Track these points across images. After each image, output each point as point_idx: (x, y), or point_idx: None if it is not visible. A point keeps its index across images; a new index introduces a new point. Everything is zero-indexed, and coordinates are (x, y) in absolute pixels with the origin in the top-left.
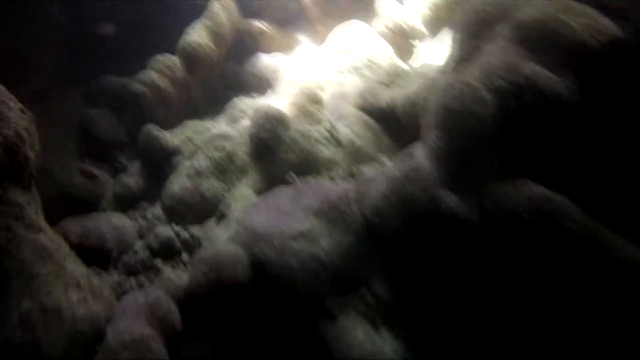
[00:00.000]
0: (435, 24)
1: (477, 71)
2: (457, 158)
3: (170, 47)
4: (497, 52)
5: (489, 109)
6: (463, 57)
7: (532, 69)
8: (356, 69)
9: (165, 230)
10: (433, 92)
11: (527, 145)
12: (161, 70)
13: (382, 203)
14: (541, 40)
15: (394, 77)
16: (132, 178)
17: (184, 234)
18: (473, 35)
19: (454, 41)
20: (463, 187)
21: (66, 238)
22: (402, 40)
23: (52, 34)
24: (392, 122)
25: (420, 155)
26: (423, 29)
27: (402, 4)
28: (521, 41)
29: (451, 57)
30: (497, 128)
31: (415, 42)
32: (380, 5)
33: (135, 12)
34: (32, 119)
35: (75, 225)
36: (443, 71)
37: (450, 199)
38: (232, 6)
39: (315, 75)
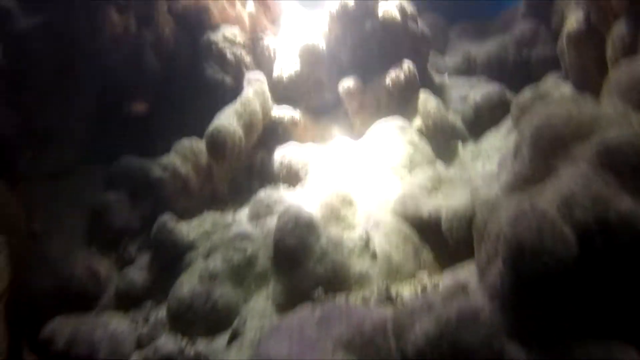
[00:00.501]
0: (476, 125)
1: (554, 198)
2: (528, 304)
3: (200, 129)
4: (579, 178)
5: (570, 249)
6: (533, 177)
7: (628, 204)
8: (394, 169)
9: (168, 343)
10: (495, 215)
11: (619, 298)
12: (185, 156)
13: (428, 346)
14: (637, 169)
15: (436, 182)
16: (139, 273)
17: (188, 351)
18: (545, 152)
19: (519, 155)
20: (535, 342)
21: (53, 342)
22: (443, 141)
23: (82, 109)
24: (435, 236)
25: (478, 293)
26: (465, 129)
27: (442, 98)
28: (609, 167)
29: (517, 174)
30: (580, 273)
31: (457, 143)
32: (420, 102)
33: (166, 91)
34: (4, 247)
35: (65, 327)
36: (507, 191)
37: (519, 357)
38: (266, 92)
39: (349, 173)
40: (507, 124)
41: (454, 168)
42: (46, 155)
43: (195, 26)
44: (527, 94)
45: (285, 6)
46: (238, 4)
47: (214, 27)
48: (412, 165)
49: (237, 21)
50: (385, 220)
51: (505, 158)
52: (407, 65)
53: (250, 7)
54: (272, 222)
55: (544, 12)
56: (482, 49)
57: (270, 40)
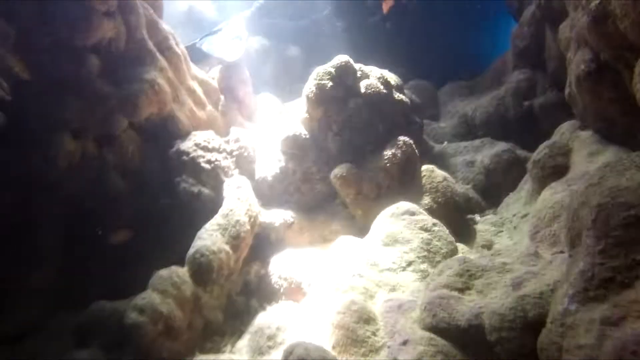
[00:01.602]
0: (491, 192)
1: None
2: None
3: (181, 252)
4: None
5: None
6: (613, 279)
7: None
8: (411, 264)
9: None
10: (574, 339)
11: None
12: (164, 290)
13: None
14: None
15: (467, 277)
16: None
17: None
18: (623, 243)
19: (581, 247)
20: None
21: None
22: (459, 216)
23: (42, 255)
24: (480, 349)
25: None
26: (479, 199)
27: (447, 168)
28: None
29: (587, 276)
30: None
31: (475, 217)
32: (425, 178)
33: (138, 215)
34: None
35: None
36: (580, 300)
37: None
38: (251, 197)
39: (360, 279)
40: (526, 187)
41: (477, 248)
42: (8, 310)
43: (163, 137)
44: (544, 149)
45: (260, 99)
46: (208, 105)
47: (184, 135)
48: (431, 256)
49: (209, 124)
50: (415, 336)
51: (538, 228)
52: (403, 140)
53: (223, 105)
54: (277, 356)
55: (536, 59)
56: (479, 108)
57: (248, 139)
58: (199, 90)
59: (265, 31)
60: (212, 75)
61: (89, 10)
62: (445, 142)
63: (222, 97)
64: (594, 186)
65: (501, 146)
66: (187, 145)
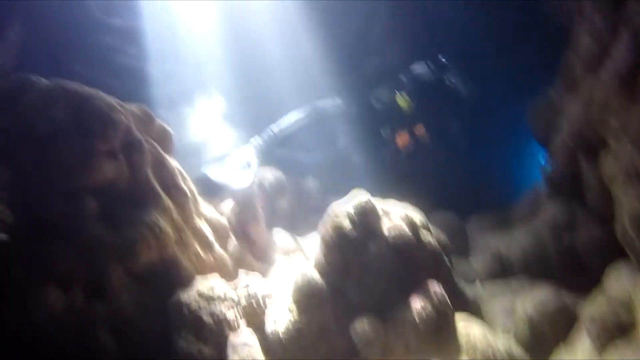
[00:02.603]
0: (538, 346)
1: None
2: None
3: None
4: None
5: None
6: None
7: None
8: None
9: None
10: None
11: None
12: None
13: None
14: None
15: None
16: None
17: None
18: None
19: None
20: None
21: None
22: None
23: None
24: None
25: None
26: (524, 355)
27: (482, 317)
28: None
29: None
30: None
31: None
32: (461, 333)
33: None
34: None
35: None
36: None
37: None
38: (258, 358)
39: None
40: (582, 342)
41: None
42: None
43: (163, 285)
44: (603, 305)
45: (273, 236)
46: (216, 246)
47: (187, 282)
48: None
49: (216, 267)
50: None
51: None
52: (433, 289)
53: (232, 245)
54: None
55: (572, 188)
56: (513, 243)
57: (258, 285)
58: (207, 230)
59: (278, 162)
60: (222, 211)
61: (90, 152)
62: (477, 282)
63: (231, 235)
64: None
65: (545, 291)
66: (188, 295)
